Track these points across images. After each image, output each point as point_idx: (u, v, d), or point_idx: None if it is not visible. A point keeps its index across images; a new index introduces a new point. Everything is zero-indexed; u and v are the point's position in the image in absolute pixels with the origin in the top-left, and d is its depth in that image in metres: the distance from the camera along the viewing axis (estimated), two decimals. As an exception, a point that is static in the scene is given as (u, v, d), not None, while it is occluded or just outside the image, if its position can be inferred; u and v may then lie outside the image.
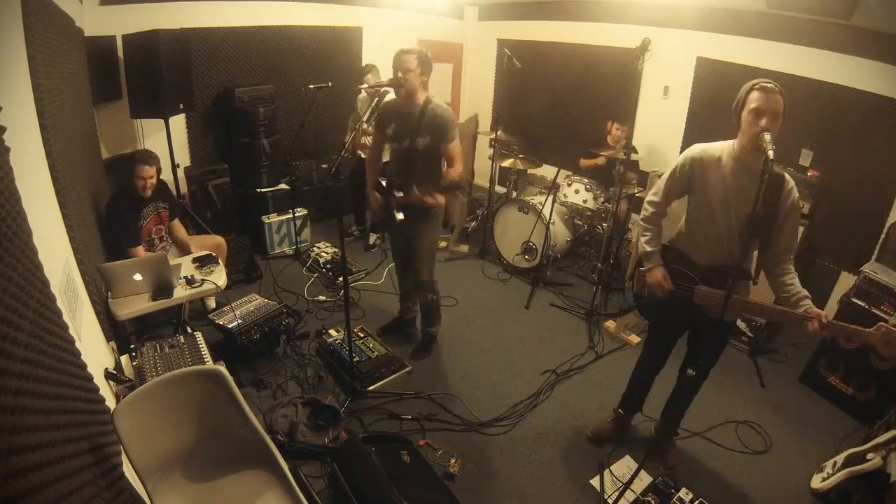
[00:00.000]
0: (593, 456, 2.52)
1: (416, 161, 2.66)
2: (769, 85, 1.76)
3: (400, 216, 2.68)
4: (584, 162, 4.63)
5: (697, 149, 2.01)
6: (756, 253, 1.95)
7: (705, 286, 2.02)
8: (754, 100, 1.77)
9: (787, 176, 1.89)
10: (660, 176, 3.20)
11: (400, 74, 2.54)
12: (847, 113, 3.47)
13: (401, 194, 2.64)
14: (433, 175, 2.68)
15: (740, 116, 1.83)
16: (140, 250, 2.90)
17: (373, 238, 4.67)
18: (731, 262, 1.93)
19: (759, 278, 1.97)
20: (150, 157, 2.90)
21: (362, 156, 4.27)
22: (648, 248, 2.15)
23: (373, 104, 2.68)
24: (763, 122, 1.73)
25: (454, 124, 2.63)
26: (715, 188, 1.95)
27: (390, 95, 2.66)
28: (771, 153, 1.60)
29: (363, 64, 4.59)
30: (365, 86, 3.68)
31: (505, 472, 2.40)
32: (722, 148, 1.96)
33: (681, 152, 4.20)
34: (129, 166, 2.89)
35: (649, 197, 2.19)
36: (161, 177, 3.08)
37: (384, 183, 2.70)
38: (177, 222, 3.30)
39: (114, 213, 2.87)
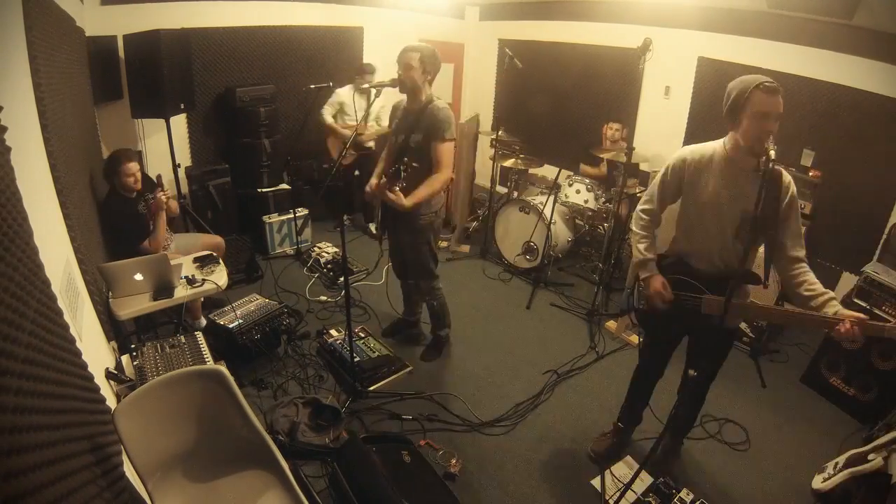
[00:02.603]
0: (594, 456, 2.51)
1: (406, 158, 2.54)
2: (773, 85, 1.70)
3: (385, 214, 2.70)
4: (584, 168, 4.64)
5: (686, 150, 1.96)
6: (762, 255, 1.90)
7: (710, 294, 1.94)
8: (759, 103, 1.70)
9: (785, 171, 1.83)
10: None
11: (400, 72, 2.52)
12: (848, 113, 3.47)
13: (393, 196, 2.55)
14: (421, 175, 2.55)
15: (738, 116, 1.76)
16: (148, 242, 2.92)
17: (373, 226, 4.69)
18: (728, 266, 1.89)
19: (769, 281, 1.91)
20: (130, 153, 2.85)
21: (367, 145, 4.46)
22: (645, 256, 2.08)
23: (370, 103, 2.68)
24: (768, 125, 1.68)
25: (449, 125, 2.54)
26: (706, 189, 1.90)
27: (380, 99, 2.64)
28: (773, 153, 1.58)
29: (364, 62, 4.60)
30: (365, 85, 3.69)
31: (506, 473, 2.40)
32: (712, 148, 1.90)
33: (682, 152, 4.06)
34: (112, 168, 2.80)
35: (641, 205, 2.12)
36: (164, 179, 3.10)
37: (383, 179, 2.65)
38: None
39: (113, 217, 2.86)
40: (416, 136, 2.59)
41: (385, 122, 4.34)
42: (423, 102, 2.58)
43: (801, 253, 1.85)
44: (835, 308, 1.72)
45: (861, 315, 1.66)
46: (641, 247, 2.10)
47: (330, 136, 4.63)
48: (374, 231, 4.66)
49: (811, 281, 1.81)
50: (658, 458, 2.38)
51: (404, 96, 2.67)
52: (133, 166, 2.83)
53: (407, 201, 2.50)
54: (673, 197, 2.06)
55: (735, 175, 1.84)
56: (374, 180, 2.79)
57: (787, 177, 1.82)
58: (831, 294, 1.77)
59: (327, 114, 4.54)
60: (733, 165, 1.84)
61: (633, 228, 2.14)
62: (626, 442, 2.58)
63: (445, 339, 3.26)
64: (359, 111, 4.36)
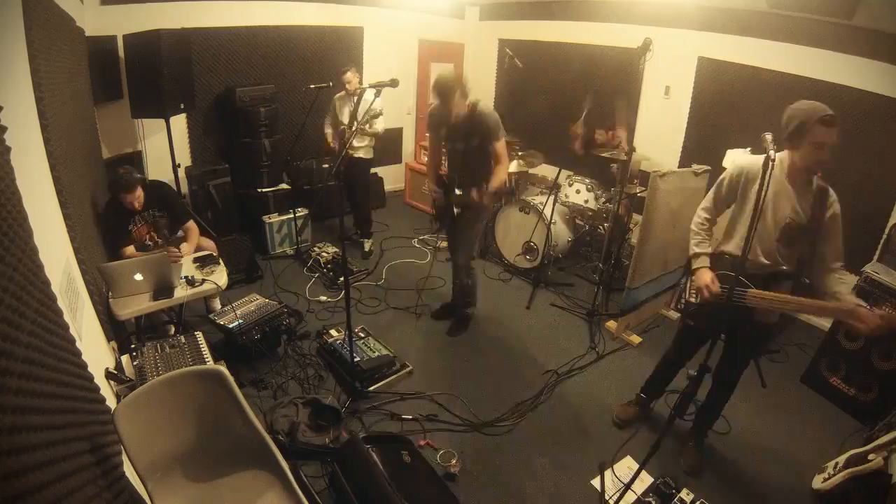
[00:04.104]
0: (594, 456, 2.51)
1: (469, 161, 2.98)
2: (835, 119, 1.92)
3: (457, 211, 3.09)
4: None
5: (745, 162, 2.15)
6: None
7: (755, 289, 2.09)
8: (822, 134, 1.91)
9: (831, 189, 2.02)
10: (661, 176, 3.21)
11: (456, 111, 2.82)
12: (848, 113, 3.46)
13: (459, 192, 3.02)
14: (485, 172, 2.97)
15: (798, 141, 1.95)
16: (129, 249, 2.87)
17: (367, 245, 4.63)
18: (773, 265, 2.08)
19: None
20: (129, 185, 2.77)
21: (355, 156, 4.27)
22: (698, 250, 2.26)
23: (369, 105, 2.73)
24: (826, 154, 1.91)
25: (499, 126, 2.90)
26: (758, 198, 2.04)
27: (369, 94, 2.81)
28: (773, 153, 1.68)
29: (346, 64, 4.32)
30: (365, 85, 3.65)
31: (506, 473, 2.40)
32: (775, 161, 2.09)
33: (682, 152, 4.19)
34: (134, 167, 2.86)
35: (701, 207, 2.32)
36: (161, 181, 3.10)
37: (445, 180, 3.10)
38: (192, 226, 3.18)
39: (104, 216, 2.86)
40: (474, 139, 2.93)
41: (378, 126, 4.19)
42: (469, 111, 2.89)
43: (838, 265, 2.03)
44: (856, 302, 1.92)
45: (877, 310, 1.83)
46: (695, 241, 2.28)
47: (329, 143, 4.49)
48: (368, 249, 4.63)
49: (841, 283, 2.01)
50: (683, 459, 2.50)
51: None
52: (129, 196, 2.78)
53: (487, 196, 2.97)
54: (728, 201, 2.25)
55: (787, 188, 2.03)
56: (434, 186, 3.23)
57: (832, 195, 2.01)
58: (857, 300, 1.98)
59: (326, 124, 4.46)
60: (789, 179, 2.03)
61: (692, 227, 2.32)
62: (648, 413, 2.80)
63: (471, 316, 3.57)
64: (346, 118, 4.16)
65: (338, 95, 4.32)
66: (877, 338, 2.15)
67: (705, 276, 2.18)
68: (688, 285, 2.36)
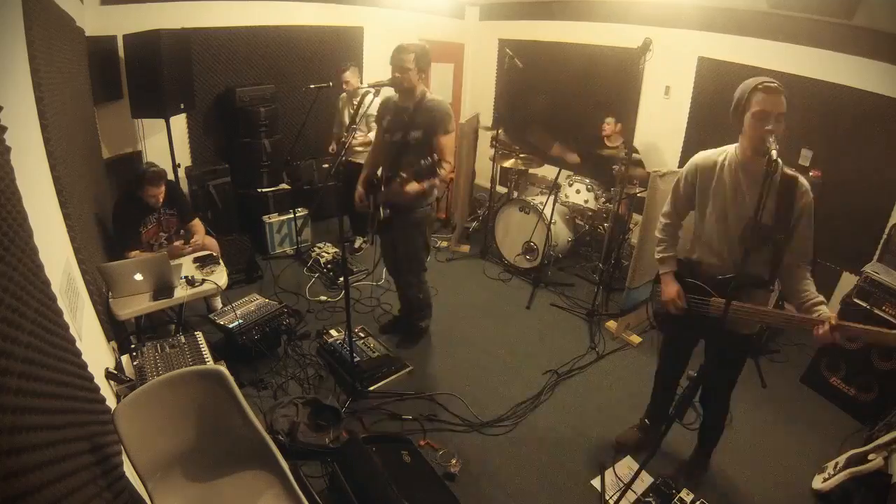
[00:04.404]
0: (594, 456, 2.51)
1: (406, 156, 2.62)
2: (773, 85, 1.69)
3: (385, 212, 2.71)
4: (556, 149, 4.61)
5: (699, 157, 1.99)
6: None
7: (718, 297, 1.94)
8: (758, 102, 1.69)
9: (801, 178, 1.78)
10: (661, 176, 3.21)
11: (398, 74, 2.54)
12: (848, 113, 3.46)
13: (384, 190, 2.66)
14: (424, 172, 2.55)
15: (742, 118, 1.75)
16: (135, 253, 2.89)
17: (359, 242, 4.63)
18: (736, 270, 1.84)
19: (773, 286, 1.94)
20: (157, 178, 2.89)
21: (355, 161, 4.15)
22: (660, 255, 2.14)
23: (364, 105, 2.63)
24: (769, 125, 1.67)
25: (449, 118, 2.59)
26: (715, 195, 1.91)
27: (369, 97, 2.61)
28: (774, 153, 1.56)
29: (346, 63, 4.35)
30: (365, 86, 3.65)
31: (506, 473, 2.40)
32: (724, 152, 1.91)
33: (682, 152, 4.17)
34: (134, 167, 2.90)
35: (664, 209, 2.18)
36: (170, 178, 3.11)
37: (374, 180, 2.75)
38: (196, 224, 3.25)
39: (117, 215, 2.90)
40: (416, 132, 2.60)
41: (372, 136, 4.11)
42: (417, 98, 2.61)
43: (804, 261, 1.84)
44: (817, 312, 1.72)
45: (831, 314, 1.68)
46: (658, 248, 2.16)
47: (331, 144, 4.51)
48: (359, 246, 4.61)
49: (804, 289, 1.81)
50: (686, 471, 2.41)
51: (391, 93, 2.71)
52: (155, 190, 2.89)
53: (417, 186, 2.52)
54: (686, 204, 2.10)
55: (743, 180, 1.83)
56: (360, 186, 2.86)
57: (803, 185, 1.77)
58: (819, 299, 1.77)
59: (336, 127, 4.45)
60: (743, 170, 1.83)
61: (655, 233, 2.20)
62: (652, 439, 2.51)
63: (425, 330, 3.34)
64: (347, 118, 4.21)
65: (341, 96, 4.33)
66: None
67: (670, 290, 2.05)
68: (653, 294, 2.25)
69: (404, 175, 2.49)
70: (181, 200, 3.23)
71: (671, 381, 2.43)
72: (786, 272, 1.86)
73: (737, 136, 1.87)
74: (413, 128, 2.61)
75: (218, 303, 3.31)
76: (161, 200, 2.97)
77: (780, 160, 1.57)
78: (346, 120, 4.19)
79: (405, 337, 3.31)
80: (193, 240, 3.16)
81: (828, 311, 1.71)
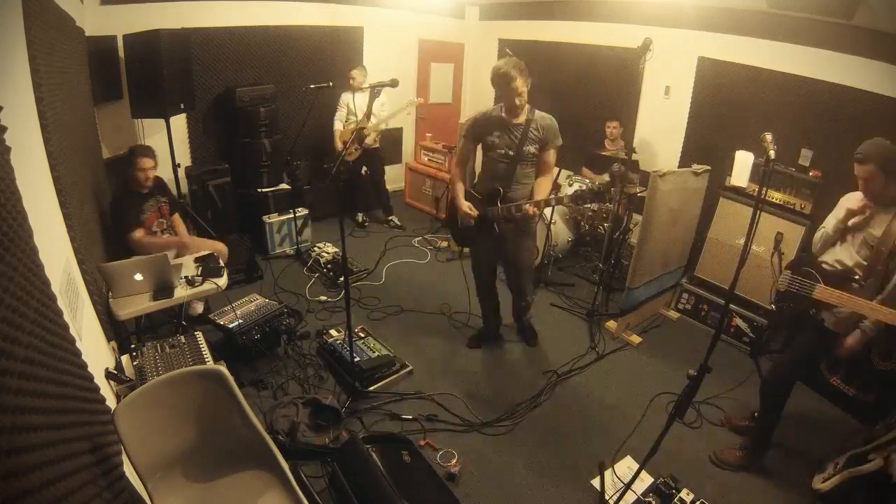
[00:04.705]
0: (594, 456, 2.51)
1: (520, 169, 2.72)
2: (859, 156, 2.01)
3: (499, 228, 2.77)
4: (585, 172, 4.68)
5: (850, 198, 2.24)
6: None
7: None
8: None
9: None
10: (661, 176, 3.21)
11: (518, 101, 2.63)
12: (848, 113, 3.46)
13: (500, 206, 2.70)
14: (530, 183, 2.77)
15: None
16: (141, 232, 2.99)
17: (360, 217, 5.08)
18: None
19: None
20: (148, 150, 3.01)
21: (372, 147, 4.75)
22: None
23: (371, 101, 2.69)
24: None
25: (558, 133, 2.73)
26: (855, 227, 2.19)
27: (380, 97, 2.69)
28: (772, 153, 1.62)
29: (357, 63, 4.71)
30: (365, 85, 3.70)
31: (506, 473, 2.40)
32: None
33: (682, 152, 4.15)
34: (129, 160, 2.97)
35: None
36: (158, 175, 3.16)
37: (485, 193, 2.78)
38: (177, 218, 3.33)
39: (115, 207, 2.96)
40: (530, 147, 2.69)
41: (384, 113, 4.54)
42: (527, 114, 2.71)
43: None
44: None
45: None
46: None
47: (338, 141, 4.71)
48: (362, 221, 5.12)
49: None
50: (721, 457, 2.50)
51: (488, 108, 2.84)
52: (147, 161, 2.97)
53: (536, 207, 2.63)
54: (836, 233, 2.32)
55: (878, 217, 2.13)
56: (465, 202, 2.81)
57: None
58: None
59: (337, 121, 4.69)
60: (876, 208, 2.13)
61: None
62: (757, 460, 2.52)
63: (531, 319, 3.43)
64: (359, 111, 4.52)
65: (344, 93, 4.54)
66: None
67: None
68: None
69: (529, 207, 2.60)
70: (169, 192, 3.34)
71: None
72: None
73: (736, 137, 1.94)
74: (527, 143, 2.68)
75: (199, 307, 3.29)
76: (152, 179, 3.04)
77: None
78: (358, 113, 4.56)
79: (531, 338, 3.39)
80: (189, 240, 3.27)
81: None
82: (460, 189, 2.87)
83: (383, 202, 5.23)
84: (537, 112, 2.72)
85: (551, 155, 2.74)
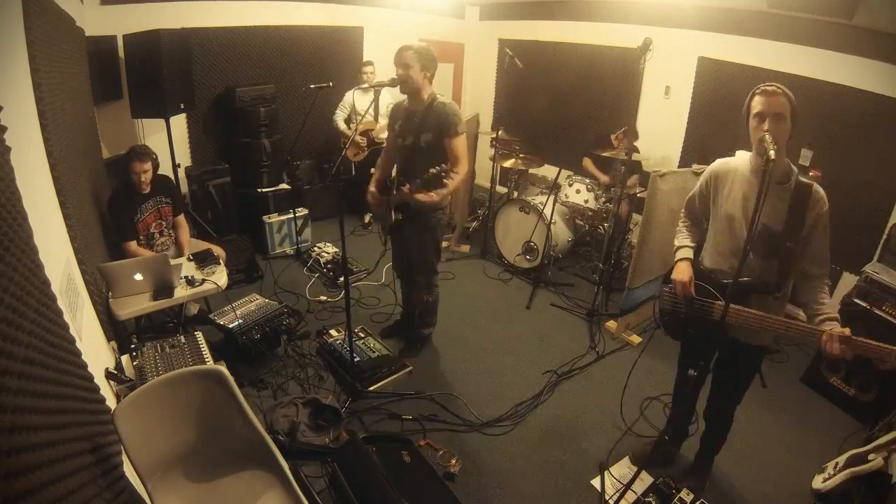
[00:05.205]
0: (594, 456, 2.52)
1: (418, 159, 2.63)
2: (770, 87, 1.70)
3: (397, 216, 2.71)
4: (587, 163, 4.65)
5: (717, 163, 1.98)
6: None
7: (720, 302, 1.91)
8: (756, 104, 1.71)
9: (817, 187, 1.76)
10: (661, 176, 3.21)
11: (401, 71, 2.53)
12: (848, 113, 3.46)
13: (395, 193, 2.67)
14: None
15: (748, 125, 1.76)
16: (133, 244, 2.92)
17: (367, 217, 4.98)
18: (751, 275, 1.84)
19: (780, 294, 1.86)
20: (143, 153, 2.92)
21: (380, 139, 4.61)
22: (678, 243, 2.10)
23: (374, 99, 2.70)
24: (765, 125, 1.67)
25: (459, 119, 2.57)
26: (728, 200, 1.89)
27: (388, 96, 2.68)
28: (772, 153, 1.55)
29: (364, 59, 4.72)
30: (365, 85, 3.71)
31: (505, 473, 2.40)
32: (742, 159, 1.90)
33: (682, 152, 4.15)
34: (126, 163, 2.91)
35: (681, 214, 2.18)
36: (162, 173, 3.13)
37: (387, 182, 2.76)
38: (181, 220, 3.27)
39: (110, 208, 2.92)
40: (426, 135, 2.60)
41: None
42: (427, 101, 2.60)
43: (819, 272, 1.83)
44: (830, 326, 1.70)
45: (844, 330, 1.63)
46: (678, 238, 2.12)
47: (344, 141, 4.70)
48: (367, 222, 5.05)
49: (820, 301, 1.79)
50: (690, 474, 2.38)
51: (404, 97, 2.71)
52: (141, 165, 2.89)
53: (435, 196, 2.54)
54: (701, 210, 2.07)
55: (754, 185, 1.81)
56: (373, 188, 2.84)
57: (818, 193, 1.76)
58: (833, 315, 1.75)
59: (340, 119, 4.68)
60: (754, 175, 1.83)
61: (677, 228, 2.17)
62: (670, 456, 2.50)
63: (427, 339, 3.28)
64: (362, 110, 4.52)
65: (354, 90, 4.55)
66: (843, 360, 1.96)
67: (683, 275, 1.97)
68: (659, 299, 2.20)
69: (408, 186, 2.53)
70: (176, 193, 3.26)
71: (687, 394, 2.32)
72: (801, 282, 1.85)
73: (736, 137, 1.88)
74: (423, 131, 2.61)
75: (193, 308, 3.28)
76: (149, 180, 2.96)
77: (795, 167, 1.59)
78: (361, 111, 4.52)
79: (408, 345, 3.24)
80: (188, 242, 3.23)
81: (839, 328, 1.67)
82: (374, 174, 2.95)
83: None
84: (438, 100, 2.59)
85: (453, 144, 2.57)
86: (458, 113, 2.59)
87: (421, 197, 2.54)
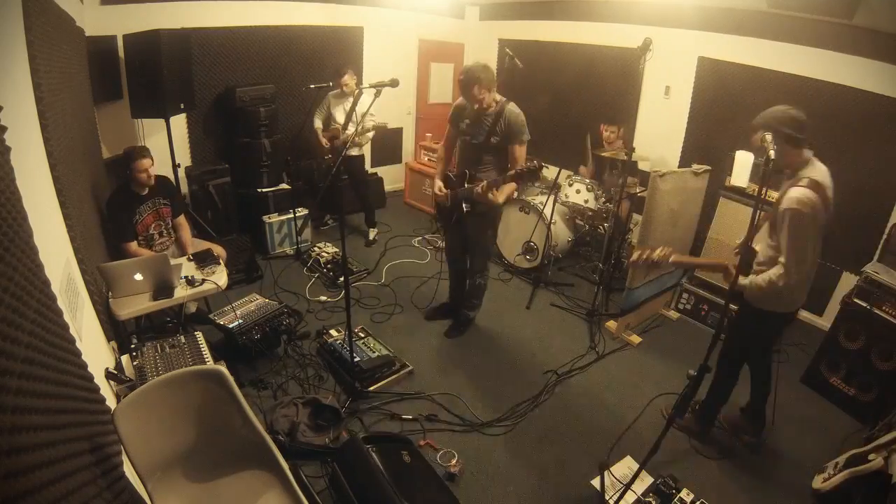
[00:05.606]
0: (594, 456, 2.51)
1: (484, 156, 2.92)
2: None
3: (466, 207, 2.96)
4: (581, 170, 4.69)
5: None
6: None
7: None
8: None
9: (796, 189, 2.05)
10: (661, 176, 3.21)
11: (476, 106, 2.81)
12: (848, 113, 3.46)
13: (467, 186, 2.92)
14: (498, 172, 2.90)
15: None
16: (132, 245, 2.92)
17: (372, 234, 4.85)
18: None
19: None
20: (145, 150, 2.95)
21: (350, 154, 4.43)
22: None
23: (363, 105, 2.74)
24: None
25: (525, 129, 2.84)
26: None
27: (368, 96, 2.78)
28: (772, 153, 1.63)
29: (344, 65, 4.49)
30: (365, 85, 3.68)
31: (505, 473, 2.40)
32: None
33: (682, 152, 4.15)
34: (126, 164, 2.90)
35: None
36: (162, 174, 3.13)
37: (453, 176, 3.03)
38: (182, 220, 3.27)
39: (109, 210, 2.91)
40: (496, 138, 2.85)
41: (369, 123, 4.40)
42: (497, 107, 2.84)
43: (767, 263, 2.10)
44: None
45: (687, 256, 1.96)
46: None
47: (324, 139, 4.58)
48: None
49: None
50: (746, 424, 2.64)
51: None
52: (146, 162, 2.91)
53: (500, 197, 2.90)
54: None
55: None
56: (440, 182, 3.07)
57: (792, 193, 2.04)
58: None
59: (318, 120, 4.55)
60: None
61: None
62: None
63: (472, 320, 3.53)
64: (340, 116, 4.43)
65: (332, 93, 4.42)
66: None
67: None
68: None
69: (484, 184, 2.80)
70: (176, 194, 3.27)
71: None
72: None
73: (736, 137, 1.93)
74: (494, 133, 2.85)
75: (192, 306, 3.27)
76: (150, 178, 2.95)
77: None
78: (339, 117, 4.43)
79: (455, 325, 3.47)
80: (184, 237, 3.24)
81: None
82: (439, 169, 3.17)
83: (366, 214, 4.89)
84: (509, 106, 2.84)
85: (516, 150, 2.85)
86: (525, 123, 2.85)
87: (492, 197, 2.84)
